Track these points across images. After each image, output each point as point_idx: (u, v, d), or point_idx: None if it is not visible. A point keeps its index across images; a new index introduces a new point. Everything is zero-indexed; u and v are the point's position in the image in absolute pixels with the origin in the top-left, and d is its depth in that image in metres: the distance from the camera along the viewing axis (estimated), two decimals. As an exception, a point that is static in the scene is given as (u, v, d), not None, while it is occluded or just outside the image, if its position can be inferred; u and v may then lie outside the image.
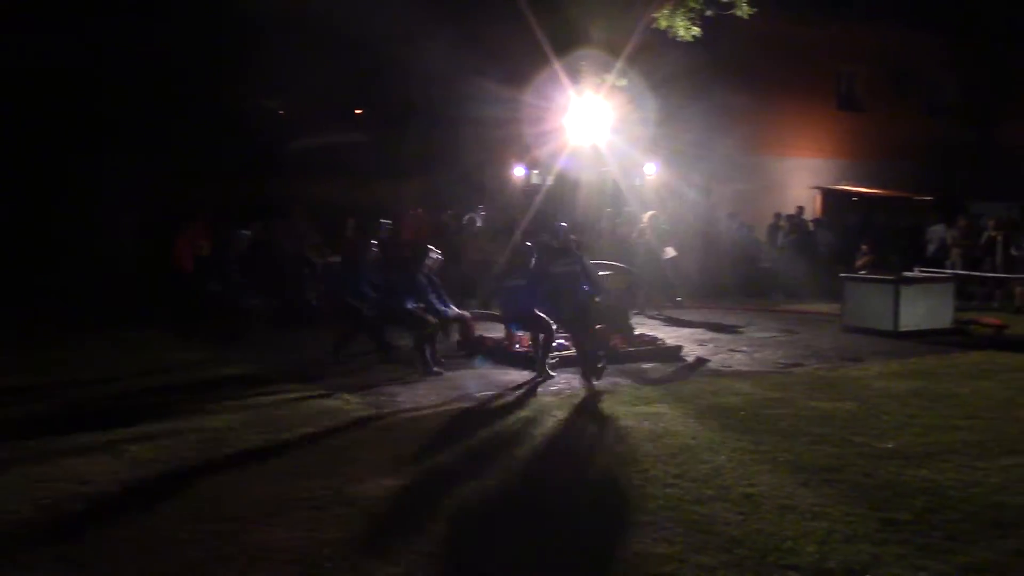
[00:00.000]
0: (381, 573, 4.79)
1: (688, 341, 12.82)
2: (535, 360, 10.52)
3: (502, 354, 11.31)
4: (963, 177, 24.96)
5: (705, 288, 18.36)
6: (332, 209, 17.43)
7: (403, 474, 6.47)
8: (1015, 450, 7.13)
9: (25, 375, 10.22)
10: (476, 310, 13.08)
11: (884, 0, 23.15)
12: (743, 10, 14.05)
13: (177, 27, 18.76)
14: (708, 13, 14.16)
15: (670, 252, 16.77)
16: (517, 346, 11.36)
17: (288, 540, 5.19)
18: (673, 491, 6.13)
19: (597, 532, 5.46)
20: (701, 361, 11.52)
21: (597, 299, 10.39)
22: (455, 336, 11.70)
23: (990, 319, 14.60)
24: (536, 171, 22.07)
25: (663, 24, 14.35)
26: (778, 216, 21.93)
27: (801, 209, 22.47)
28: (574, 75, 15.43)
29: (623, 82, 15.51)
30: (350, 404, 8.83)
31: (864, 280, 14.67)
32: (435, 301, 10.92)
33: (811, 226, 21.92)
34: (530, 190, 20.93)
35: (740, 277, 19.82)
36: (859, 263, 18.25)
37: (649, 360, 11.33)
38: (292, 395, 9.19)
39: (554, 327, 10.42)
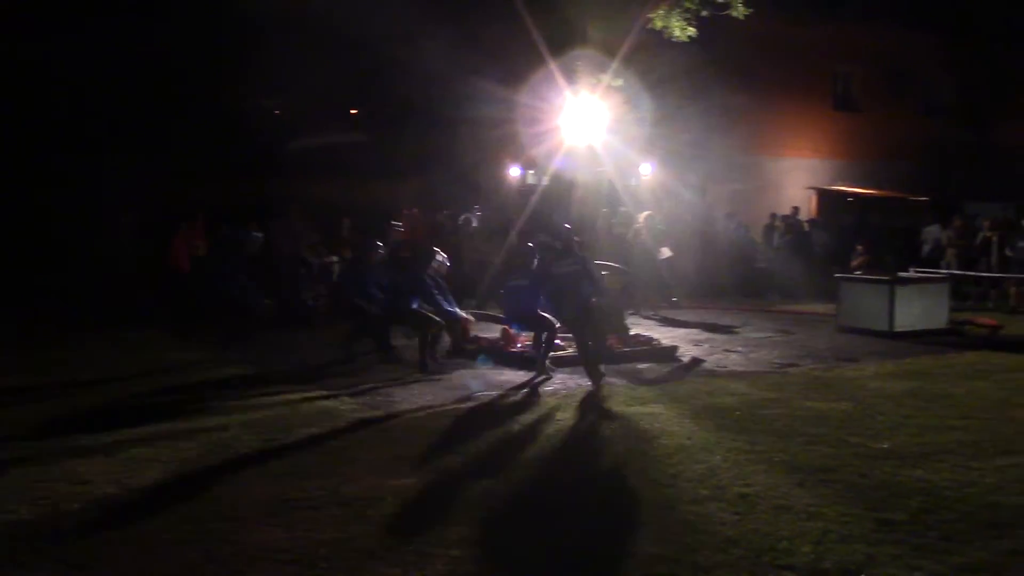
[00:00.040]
0: (378, 573, 4.80)
1: (684, 341, 12.84)
2: (531, 360, 10.61)
3: (498, 354, 11.34)
4: (959, 177, 25.02)
5: (701, 288, 18.38)
6: (328, 209, 17.46)
7: (401, 475, 6.47)
8: (1010, 450, 7.16)
9: (24, 375, 10.21)
10: (473, 310, 13.11)
11: (880, 0, 23.19)
12: (739, 10, 14.06)
13: (175, 27, 18.76)
14: (704, 13, 14.17)
15: (666, 252, 16.78)
16: (519, 345, 11.40)
17: (286, 540, 5.20)
18: (669, 491, 6.15)
19: (593, 532, 5.47)
20: (697, 361, 11.54)
21: (595, 300, 10.41)
22: (446, 342, 11.66)
23: (985, 319, 14.63)
24: (532, 171, 22.07)
25: (659, 24, 14.35)
26: (774, 216, 21.97)
27: (796, 209, 22.50)
28: (570, 75, 15.43)
29: (619, 82, 15.52)
30: (348, 404, 8.84)
31: (860, 280, 14.69)
32: (443, 302, 10.98)
33: (807, 226, 21.96)
34: (526, 190, 20.94)
35: (736, 277, 19.85)
36: (855, 263, 18.30)
37: (645, 360, 11.34)
38: (290, 395, 9.18)
39: (557, 327, 10.51)
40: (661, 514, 5.69)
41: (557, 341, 10.90)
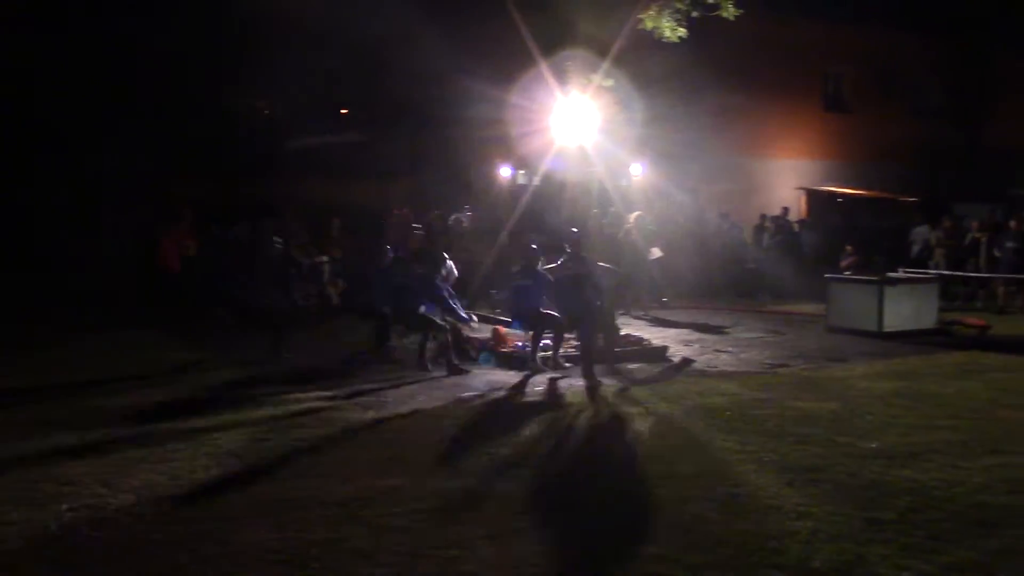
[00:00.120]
0: (369, 574, 4.80)
1: (674, 342, 12.86)
2: (524, 360, 10.76)
3: (500, 355, 11.39)
4: (948, 178, 25.11)
5: (691, 289, 18.40)
6: (318, 209, 17.44)
7: (394, 475, 6.46)
8: (998, 450, 7.19)
9: (13, 376, 10.16)
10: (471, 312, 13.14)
11: (871, 2, 23.26)
12: (729, 11, 14.05)
13: (166, 27, 18.71)
14: (694, 14, 14.16)
15: (656, 252, 16.80)
16: (520, 345, 11.44)
17: (276, 541, 5.18)
18: (659, 491, 6.16)
19: (585, 532, 5.48)
20: (687, 361, 11.57)
21: (598, 302, 10.60)
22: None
23: (974, 320, 14.69)
24: (523, 171, 22.07)
25: (649, 25, 14.34)
26: (763, 217, 22.01)
27: (786, 210, 22.55)
28: (560, 75, 15.42)
29: (609, 83, 15.51)
30: (341, 405, 8.83)
31: (849, 281, 14.74)
32: (455, 306, 11.05)
33: (796, 227, 22.01)
34: (516, 190, 20.94)
35: (726, 278, 19.88)
36: (844, 264, 18.36)
37: (635, 360, 11.37)
38: (281, 396, 9.16)
39: (563, 326, 10.70)
40: (651, 514, 5.70)
41: (545, 342, 11.01)
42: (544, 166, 17.83)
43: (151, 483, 6.24)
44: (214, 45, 18.88)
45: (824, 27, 23.66)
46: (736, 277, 20.04)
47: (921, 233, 20.59)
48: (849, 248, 19.15)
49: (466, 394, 9.43)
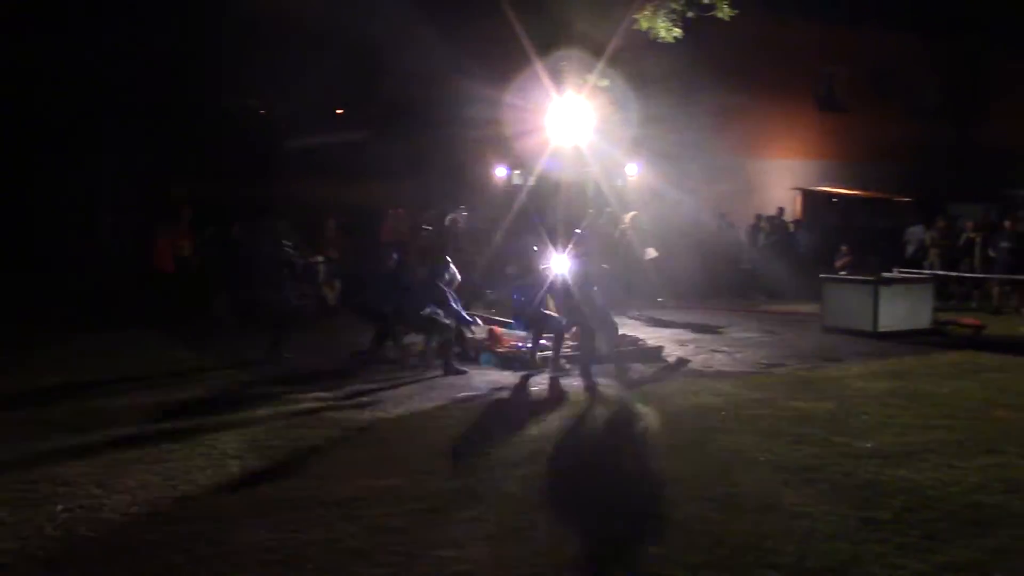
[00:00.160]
0: (366, 574, 4.79)
1: (669, 342, 12.86)
2: (522, 360, 10.84)
3: (500, 356, 11.40)
4: (943, 178, 25.13)
5: (687, 289, 18.40)
6: (313, 208, 17.42)
7: (389, 475, 6.46)
8: (993, 449, 7.20)
9: (7, 377, 10.15)
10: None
11: (865, 2, 23.27)
12: (724, 11, 14.05)
13: (161, 27, 18.69)
14: (689, 15, 14.17)
15: (651, 252, 16.80)
16: (517, 345, 11.45)
17: (272, 541, 5.18)
18: (655, 491, 6.17)
19: (578, 532, 5.48)
20: (682, 361, 11.57)
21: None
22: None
23: (968, 319, 14.71)
24: (518, 171, 22.07)
25: (644, 25, 14.34)
26: (759, 217, 22.03)
27: (782, 210, 22.57)
28: (556, 75, 15.42)
29: (605, 83, 15.52)
30: (336, 405, 8.82)
31: (844, 281, 14.76)
32: (461, 309, 11.11)
33: (792, 227, 22.03)
34: (512, 190, 20.93)
35: (722, 278, 19.89)
36: (839, 264, 18.38)
37: (631, 361, 11.34)
38: (280, 396, 9.15)
39: (564, 326, 10.73)
40: (648, 514, 5.71)
41: (542, 341, 11.03)
42: (539, 166, 17.83)
43: (146, 484, 6.23)
44: (213, 45, 18.87)
45: (819, 27, 23.68)
46: (732, 277, 20.06)
47: (916, 233, 20.62)
48: (844, 248, 19.17)
49: (463, 394, 9.43)
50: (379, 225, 17.55)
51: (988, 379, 10.32)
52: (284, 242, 12.49)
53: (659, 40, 14.56)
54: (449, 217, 17.74)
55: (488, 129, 18.76)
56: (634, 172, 21.07)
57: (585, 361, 10.37)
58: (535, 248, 11.74)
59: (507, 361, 11.00)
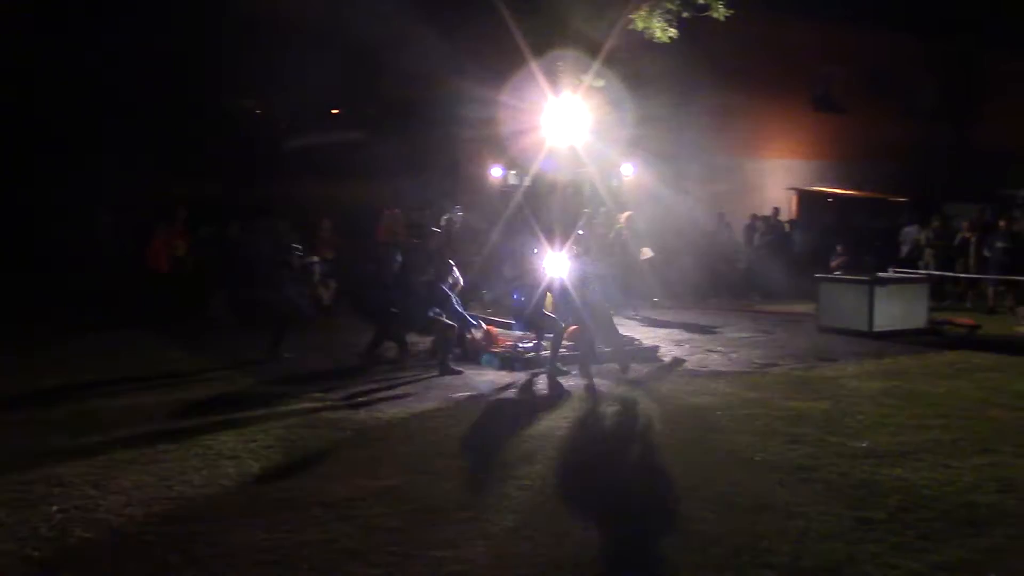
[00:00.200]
0: (361, 574, 4.79)
1: (665, 341, 12.88)
2: (518, 360, 10.89)
3: (502, 356, 11.42)
4: (939, 178, 25.16)
5: (682, 289, 18.41)
6: (309, 209, 17.40)
7: (385, 476, 6.47)
8: (988, 449, 7.21)
9: (17, 376, 10.12)
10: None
11: (862, 2, 23.29)
12: (719, 12, 14.05)
13: (165, 28, 18.68)
14: (685, 15, 14.17)
15: (647, 252, 16.81)
16: (517, 345, 11.47)
17: (267, 541, 5.18)
18: (650, 491, 6.18)
19: (572, 532, 5.48)
20: (678, 361, 11.59)
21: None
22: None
23: (963, 319, 14.74)
24: (513, 171, 22.07)
25: (640, 25, 14.33)
26: (754, 217, 22.05)
27: (777, 210, 22.58)
28: (551, 76, 15.42)
29: (600, 83, 15.52)
30: (336, 404, 8.83)
31: (839, 281, 14.78)
32: (464, 312, 11.15)
33: (787, 227, 22.05)
34: (507, 190, 20.92)
35: (717, 278, 19.90)
36: (834, 264, 18.39)
37: (627, 360, 11.34)
38: (276, 396, 9.15)
39: (563, 327, 10.73)
40: (643, 514, 5.71)
41: (535, 342, 11.09)
42: (535, 166, 17.83)
43: (142, 484, 6.23)
44: (211, 46, 18.85)
45: (815, 28, 23.69)
46: (727, 277, 20.08)
47: (911, 233, 20.63)
48: (840, 248, 19.19)
49: (461, 394, 9.43)
50: (375, 225, 17.52)
51: (983, 379, 10.34)
52: (295, 246, 12.53)
53: (655, 40, 14.57)
54: (445, 217, 17.72)
55: (484, 129, 18.73)
56: (630, 172, 21.07)
57: (583, 361, 10.38)
58: (535, 249, 11.74)
59: (507, 361, 11.02)
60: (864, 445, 7.31)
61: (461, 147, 21.25)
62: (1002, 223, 18.09)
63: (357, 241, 16.90)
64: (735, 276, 20.16)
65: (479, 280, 15.52)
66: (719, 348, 12.59)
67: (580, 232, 12.08)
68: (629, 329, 13.54)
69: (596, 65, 14.99)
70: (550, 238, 12.39)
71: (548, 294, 11.08)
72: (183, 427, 7.81)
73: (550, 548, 5.18)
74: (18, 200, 17.64)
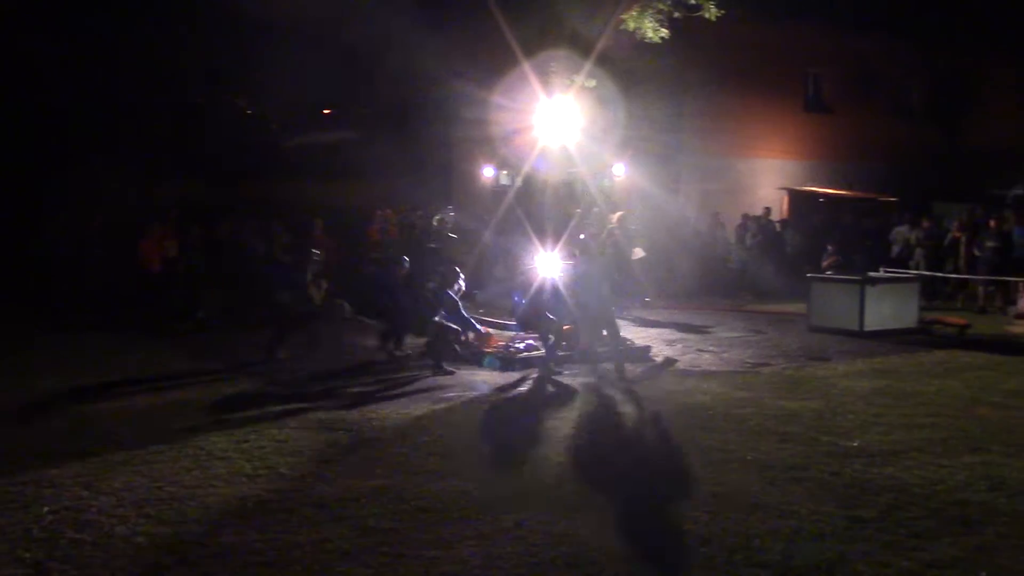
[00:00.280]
0: (353, 575, 4.79)
1: (657, 341, 12.89)
2: (518, 360, 10.95)
3: (475, 355, 11.42)
4: (929, 178, 25.23)
5: (674, 288, 18.44)
6: (301, 209, 17.39)
7: (376, 476, 6.46)
8: (978, 448, 7.24)
9: (11, 380, 10.08)
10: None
11: (852, 3, 23.34)
12: (710, 12, 14.08)
13: (154, 27, 18.65)
14: (676, 15, 14.20)
15: (639, 252, 16.82)
16: (510, 345, 11.48)
17: (259, 542, 5.17)
18: (642, 491, 6.19)
19: (567, 532, 5.48)
20: (670, 361, 11.60)
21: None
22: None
23: (954, 319, 14.77)
24: (505, 171, 22.07)
25: (631, 26, 14.36)
26: (745, 217, 22.07)
27: (768, 210, 22.60)
28: (543, 76, 15.43)
29: (592, 83, 15.54)
30: (330, 405, 8.81)
31: (830, 280, 14.82)
32: (468, 316, 11.23)
33: (778, 227, 22.08)
34: (499, 190, 20.92)
35: (709, 278, 19.93)
36: (825, 263, 18.42)
37: (620, 360, 11.36)
38: (271, 397, 9.15)
39: (563, 328, 10.81)
40: (635, 514, 5.72)
41: (528, 342, 11.11)
42: (527, 166, 17.84)
43: (133, 485, 6.21)
44: (204, 46, 18.82)
45: (805, 28, 23.71)
46: (718, 277, 20.10)
47: (901, 233, 20.68)
48: (831, 248, 19.22)
49: (454, 395, 9.43)
50: (367, 226, 17.51)
51: (973, 378, 10.37)
52: (314, 251, 12.52)
53: (646, 40, 14.59)
54: (437, 217, 17.72)
55: (476, 129, 18.75)
56: (621, 172, 21.10)
57: (579, 361, 10.43)
58: (531, 251, 11.82)
59: (507, 362, 11.03)
60: (855, 444, 7.33)
61: (453, 147, 21.26)
62: (992, 223, 18.14)
63: (351, 242, 16.89)
64: (727, 276, 20.19)
65: (470, 280, 15.53)
66: (711, 348, 12.60)
67: (582, 236, 12.12)
68: (622, 329, 13.54)
69: (588, 65, 15.01)
70: (542, 238, 12.43)
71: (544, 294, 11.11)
72: (175, 428, 7.78)
73: (543, 548, 5.18)
74: (17, 200, 17.59)
